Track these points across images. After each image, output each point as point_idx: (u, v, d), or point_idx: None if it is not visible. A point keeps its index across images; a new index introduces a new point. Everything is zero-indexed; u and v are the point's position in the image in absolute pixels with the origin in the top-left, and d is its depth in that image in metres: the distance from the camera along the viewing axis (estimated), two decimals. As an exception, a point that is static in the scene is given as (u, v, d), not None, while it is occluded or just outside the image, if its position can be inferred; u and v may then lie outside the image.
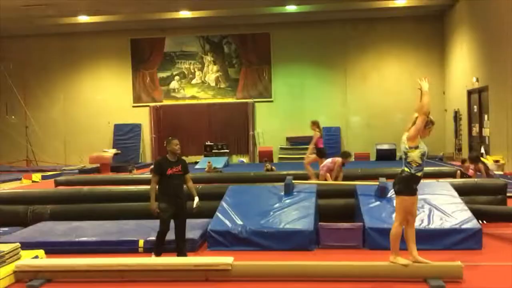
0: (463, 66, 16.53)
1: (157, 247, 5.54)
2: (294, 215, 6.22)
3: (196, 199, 5.69)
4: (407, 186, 4.60)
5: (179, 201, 5.50)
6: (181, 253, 5.52)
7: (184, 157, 18.86)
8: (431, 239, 5.69)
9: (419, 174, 4.62)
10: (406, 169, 4.65)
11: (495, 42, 13.77)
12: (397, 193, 4.67)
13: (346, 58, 19.46)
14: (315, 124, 10.44)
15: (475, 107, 15.63)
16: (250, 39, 19.85)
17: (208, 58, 20.20)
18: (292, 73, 19.71)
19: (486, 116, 14.66)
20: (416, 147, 4.60)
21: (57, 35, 20.02)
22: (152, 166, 5.64)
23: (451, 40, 17.95)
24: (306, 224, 5.97)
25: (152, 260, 5.18)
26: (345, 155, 9.79)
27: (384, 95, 19.23)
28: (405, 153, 4.66)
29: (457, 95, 17.22)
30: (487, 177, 9.48)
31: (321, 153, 10.20)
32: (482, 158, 13.98)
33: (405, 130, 4.76)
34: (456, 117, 17.08)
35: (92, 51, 20.18)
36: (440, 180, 7.90)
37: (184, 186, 5.68)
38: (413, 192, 4.62)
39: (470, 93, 16.03)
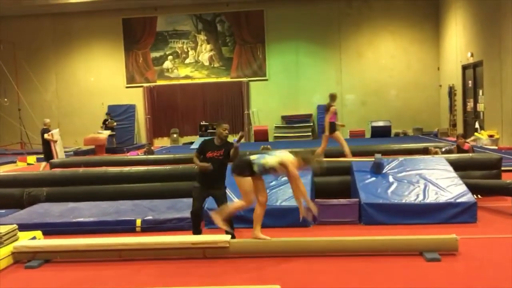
0: (458, 41, 16.46)
1: (193, 227, 5.40)
2: (291, 192, 6.19)
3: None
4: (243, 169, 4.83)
5: (212, 187, 5.30)
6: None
7: (179, 137, 18.66)
8: (427, 213, 5.75)
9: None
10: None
11: (490, 17, 13.70)
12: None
13: (340, 36, 19.32)
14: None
15: (469, 82, 15.63)
16: (243, 17, 19.63)
17: (201, 37, 20.00)
18: (287, 51, 19.57)
19: (480, 91, 14.68)
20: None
21: (48, 16, 19.75)
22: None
23: (446, 15, 17.84)
24: (302, 201, 5.98)
25: (150, 239, 5.19)
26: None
27: (379, 72, 19.18)
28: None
29: (452, 71, 17.20)
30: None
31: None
32: (476, 133, 14.05)
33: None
34: (451, 92, 17.08)
35: (84, 32, 19.93)
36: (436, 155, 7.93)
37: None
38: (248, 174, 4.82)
39: (464, 68, 16.01)
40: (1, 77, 18.11)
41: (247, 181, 4.84)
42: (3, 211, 7.01)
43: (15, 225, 5.23)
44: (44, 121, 12.69)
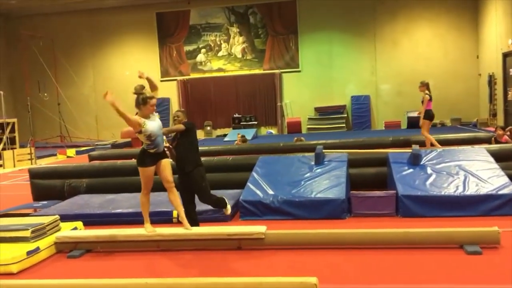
0: (498, 27, 15.88)
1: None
2: (326, 184, 6.19)
3: None
4: (140, 158, 5.01)
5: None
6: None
7: (212, 130, 18.88)
8: (467, 206, 5.59)
9: (151, 150, 4.96)
10: (143, 144, 5.05)
11: (533, 1, 13.15)
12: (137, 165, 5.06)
13: (375, 24, 18.96)
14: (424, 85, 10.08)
15: (510, 70, 15.08)
16: (275, 8, 19.53)
17: (234, 30, 20.03)
18: (320, 41, 19.36)
19: (523, 80, 14.16)
20: (140, 132, 4.95)
21: (85, 11, 20.21)
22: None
23: (485, 1, 17.22)
24: (338, 193, 5.94)
25: (186, 230, 5.24)
26: None
27: (415, 61, 18.74)
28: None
29: (492, 59, 16.62)
30: None
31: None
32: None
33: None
34: (491, 81, 16.53)
35: (119, 27, 20.31)
36: (476, 146, 7.70)
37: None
38: (146, 164, 4.95)
39: (505, 56, 15.46)
40: (41, 72, 18.67)
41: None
42: (45, 202, 7.24)
43: (57, 216, 5.40)
44: None
